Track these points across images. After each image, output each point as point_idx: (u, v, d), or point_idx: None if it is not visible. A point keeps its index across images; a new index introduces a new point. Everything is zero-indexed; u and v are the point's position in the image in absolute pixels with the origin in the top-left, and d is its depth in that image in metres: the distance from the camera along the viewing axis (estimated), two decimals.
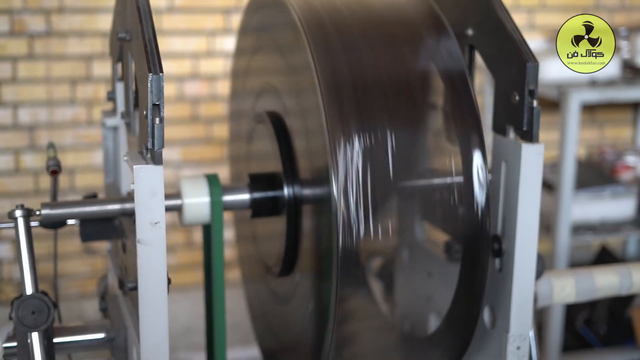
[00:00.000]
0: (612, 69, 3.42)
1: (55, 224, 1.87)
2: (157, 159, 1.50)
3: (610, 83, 3.36)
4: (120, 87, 1.93)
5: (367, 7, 1.76)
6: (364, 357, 1.72)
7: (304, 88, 1.64)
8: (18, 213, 1.73)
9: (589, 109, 3.88)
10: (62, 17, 3.29)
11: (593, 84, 3.35)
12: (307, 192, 1.69)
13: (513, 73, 1.73)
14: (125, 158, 1.60)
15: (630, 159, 3.81)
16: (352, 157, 1.54)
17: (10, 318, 1.85)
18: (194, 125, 3.51)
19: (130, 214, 1.81)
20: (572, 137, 3.28)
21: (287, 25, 1.68)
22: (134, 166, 1.51)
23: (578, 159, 3.50)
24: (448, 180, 1.62)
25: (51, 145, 1.93)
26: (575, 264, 3.63)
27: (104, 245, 3.40)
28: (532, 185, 1.73)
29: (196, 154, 3.52)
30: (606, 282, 2.15)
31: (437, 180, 1.64)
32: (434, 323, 1.75)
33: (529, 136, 1.71)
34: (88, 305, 3.45)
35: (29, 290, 1.73)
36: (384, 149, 1.58)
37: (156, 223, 1.54)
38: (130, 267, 1.70)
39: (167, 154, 3.49)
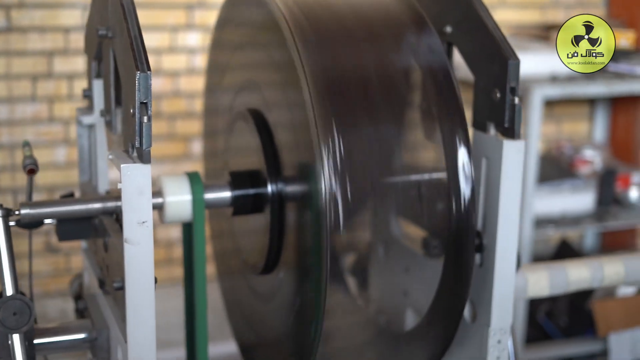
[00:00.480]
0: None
1: (32, 223, 1.84)
2: (145, 158, 1.49)
3: (570, 79, 3.41)
4: (97, 85, 1.91)
5: (349, 4, 1.76)
6: (350, 351, 1.73)
7: (290, 84, 1.64)
8: None
9: (548, 104, 3.94)
10: (23, 13, 3.24)
11: (554, 79, 3.40)
12: (292, 188, 1.69)
13: (494, 70, 1.75)
14: (110, 157, 1.58)
15: (588, 154, 3.87)
16: (340, 151, 1.55)
17: None
18: (157, 122, 3.48)
19: (111, 213, 1.79)
20: (535, 132, 3.32)
21: (272, 22, 1.68)
22: (121, 165, 1.49)
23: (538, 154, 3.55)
24: (435, 175, 1.64)
25: (27, 144, 1.90)
26: (537, 258, 3.69)
27: (66, 244, 3.38)
28: (513, 181, 1.76)
29: (159, 150, 3.49)
30: (579, 275, 2.19)
31: (424, 176, 1.65)
32: (419, 317, 1.76)
33: (511, 132, 1.73)
34: (51, 304, 3.41)
35: (9, 291, 1.70)
36: (371, 144, 1.59)
37: (143, 222, 1.53)
38: (113, 267, 1.69)
39: None
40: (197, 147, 3.53)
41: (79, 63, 3.33)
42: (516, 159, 1.74)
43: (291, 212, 1.71)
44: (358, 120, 1.59)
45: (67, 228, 1.87)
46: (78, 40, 3.31)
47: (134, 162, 1.51)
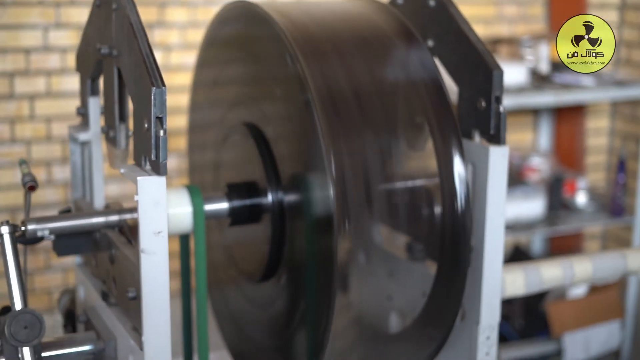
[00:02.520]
0: (521, 76, 3.62)
1: (32, 239, 1.88)
2: (162, 170, 1.55)
3: (520, 90, 3.55)
4: (93, 102, 1.95)
5: (342, 19, 1.85)
6: (349, 351, 1.80)
7: (291, 97, 1.71)
8: (4, 229, 1.73)
9: None
10: None
11: (505, 91, 3.53)
12: (294, 196, 1.76)
13: (478, 80, 1.85)
14: (122, 170, 1.64)
15: (535, 161, 4.02)
16: (345, 161, 1.63)
17: None
18: None
19: (113, 227, 1.84)
20: None
21: (271, 37, 1.75)
22: (138, 178, 1.55)
23: None
24: (433, 181, 1.73)
25: (23, 162, 1.94)
26: None
27: (31, 264, 3.38)
28: (499, 185, 1.86)
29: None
30: (552, 274, 2.30)
31: (422, 182, 1.74)
32: (416, 318, 1.84)
33: (497, 139, 1.83)
34: None
35: (17, 305, 1.74)
36: (373, 153, 1.68)
37: (159, 232, 1.59)
38: (122, 278, 1.73)
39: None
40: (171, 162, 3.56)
41: (40, 84, 3.34)
42: (501, 164, 1.85)
43: (292, 220, 1.78)
44: (360, 131, 1.68)
45: (64, 243, 1.91)
46: (39, 61, 3.33)
47: (149, 175, 1.57)
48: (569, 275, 2.32)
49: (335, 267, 1.60)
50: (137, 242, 1.74)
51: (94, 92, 1.96)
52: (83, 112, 1.99)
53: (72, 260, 3.42)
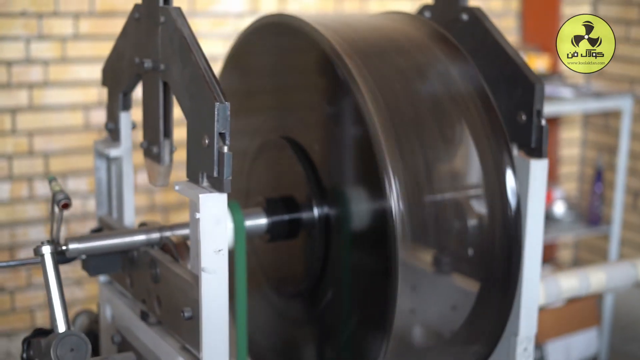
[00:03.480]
0: None
1: (64, 259, 1.83)
2: (225, 187, 1.52)
3: None
4: (125, 117, 1.91)
5: (383, 32, 1.85)
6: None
7: (341, 109, 1.71)
8: (45, 249, 1.68)
9: None
10: None
11: None
12: (343, 210, 1.74)
13: (518, 94, 1.86)
14: (177, 187, 1.60)
15: None
16: (403, 172, 1.62)
17: (22, 359, 1.80)
18: None
19: (153, 245, 1.80)
20: None
21: (314, 48, 1.74)
22: (200, 195, 1.52)
23: None
24: (489, 191, 1.73)
25: (53, 178, 1.88)
26: None
27: (11, 283, 3.29)
28: (539, 197, 1.87)
29: None
30: (569, 285, 2.34)
31: (475, 193, 1.74)
32: (475, 320, 1.83)
33: (538, 152, 1.84)
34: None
35: (61, 327, 1.69)
36: (427, 164, 1.68)
37: (219, 250, 1.56)
38: (169, 297, 1.70)
39: (74, 184, 3.41)
40: (141, 178, 3.51)
41: (22, 97, 3.26)
42: (541, 176, 1.86)
43: (338, 234, 1.76)
44: (413, 142, 1.68)
45: (96, 262, 1.87)
46: (20, 73, 3.25)
47: (209, 192, 1.54)
48: (585, 285, 2.36)
49: (397, 278, 1.60)
50: (186, 260, 1.71)
51: (126, 106, 1.92)
52: (112, 127, 1.94)
53: (75, 275, 3.38)
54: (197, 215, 1.53)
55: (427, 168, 1.69)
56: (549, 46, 4.09)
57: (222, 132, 1.51)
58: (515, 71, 1.87)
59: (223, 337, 1.58)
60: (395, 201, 1.60)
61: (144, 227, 1.84)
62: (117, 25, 3.37)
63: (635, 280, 2.45)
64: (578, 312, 3.96)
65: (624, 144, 3.82)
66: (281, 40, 1.91)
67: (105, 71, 1.98)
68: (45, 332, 1.82)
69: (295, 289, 1.91)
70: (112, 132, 1.95)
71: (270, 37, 1.94)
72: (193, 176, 1.59)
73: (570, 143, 4.35)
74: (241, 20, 3.55)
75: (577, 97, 3.75)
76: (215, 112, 1.50)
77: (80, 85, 3.37)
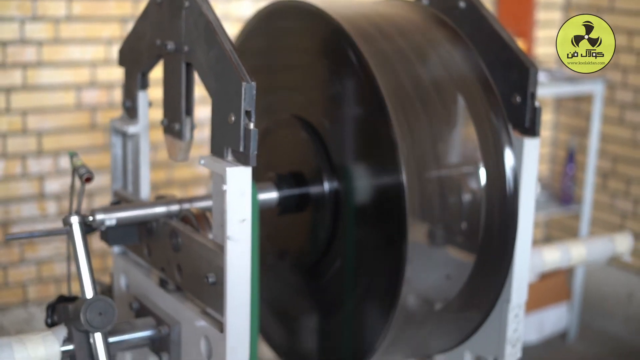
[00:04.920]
0: None
1: (89, 229, 1.93)
2: (251, 161, 1.63)
3: None
4: (142, 96, 2.01)
5: (388, 18, 1.97)
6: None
7: (355, 88, 1.82)
8: (74, 219, 1.79)
9: None
10: None
11: None
12: (357, 183, 1.86)
13: (513, 77, 1.99)
14: (202, 162, 1.71)
15: None
16: (412, 148, 1.75)
17: (47, 324, 1.90)
18: (93, 133, 3.54)
19: (172, 216, 1.91)
20: None
21: (327, 30, 1.86)
22: (227, 168, 1.63)
23: None
24: (490, 169, 1.87)
25: (74, 154, 1.97)
26: None
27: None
28: (531, 173, 2.01)
29: (96, 161, 3.54)
30: (552, 257, 2.48)
31: (482, 170, 1.87)
32: (472, 289, 1.96)
33: (532, 132, 1.98)
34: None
35: (89, 293, 1.79)
36: (435, 142, 1.81)
37: (244, 220, 1.68)
38: (192, 265, 1.81)
39: (67, 162, 3.49)
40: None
41: (17, 77, 3.33)
42: (534, 154, 2.00)
43: (350, 207, 1.88)
44: (423, 121, 1.81)
45: (116, 233, 1.97)
46: (15, 54, 3.32)
47: (234, 165, 1.65)
48: (566, 258, 2.51)
49: (406, 249, 1.73)
50: (206, 230, 1.82)
51: (144, 86, 2.02)
52: (130, 105, 2.04)
53: (48, 253, 3.47)
54: (224, 187, 1.64)
55: (432, 144, 1.82)
56: (523, 31, 4.23)
57: (248, 110, 1.63)
58: (510, 56, 2.00)
59: (245, 301, 1.70)
60: (405, 175, 1.72)
61: (164, 199, 1.94)
62: (109, 7, 3.48)
63: (612, 253, 2.61)
64: (549, 288, 4.13)
65: (595, 127, 3.99)
66: (290, 22, 2.02)
67: (123, 52, 2.08)
68: (68, 299, 1.93)
69: (304, 260, 2.02)
70: (130, 110, 2.05)
71: (280, 20, 2.05)
72: (218, 151, 1.70)
73: (543, 126, 4.51)
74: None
75: (551, 81, 3.91)
76: (243, 91, 1.61)
77: (73, 66, 3.45)
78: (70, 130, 3.47)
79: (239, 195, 1.66)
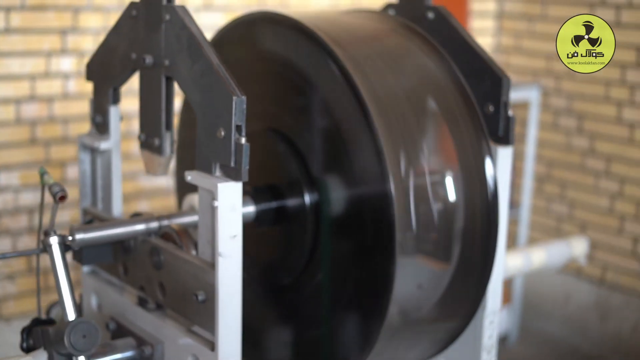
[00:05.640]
0: None
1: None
2: (243, 176, 1.61)
3: None
4: (114, 111, 1.97)
5: (372, 36, 1.97)
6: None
7: (334, 99, 1.82)
8: (53, 240, 1.74)
9: None
10: None
11: None
12: (338, 194, 1.85)
13: (485, 87, 2.02)
14: (189, 177, 1.68)
15: None
16: (398, 157, 1.76)
17: (22, 348, 1.85)
18: (33, 148, 3.44)
19: (150, 234, 1.87)
20: None
21: (308, 41, 1.85)
22: (219, 184, 1.61)
23: None
24: (472, 176, 1.88)
25: (45, 172, 1.92)
26: None
27: None
28: (505, 180, 2.04)
29: (35, 178, 3.44)
30: (514, 263, 2.53)
31: (464, 177, 1.88)
32: (453, 297, 1.97)
33: (505, 140, 2.01)
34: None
35: (71, 315, 1.75)
36: (415, 150, 1.81)
37: (235, 236, 1.65)
38: (176, 283, 1.77)
39: (6, 178, 3.40)
40: (72, 171, 3.52)
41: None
42: (507, 162, 2.03)
43: (332, 218, 1.87)
44: (404, 131, 1.81)
45: (90, 253, 1.92)
46: None
47: (223, 181, 1.63)
48: (528, 264, 2.56)
49: (396, 250, 1.73)
50: (189, 247, 1.80)
51: (115, 100, 1.97)
52: (100, 120, 1.99)
53: (7, 269, 3.36)
54: (215, 203, 1.62)
55: (415, 153, 1.82)
56: None
57: (239, 124, 1.61)
58: (482, 66, 2.03)
59: (237, 318, 1.68)
60: (393, 184, 1.73)
61: (142, 217, 1.90)
62: (48, 19, 3.40)
63: (569, 257, 2.67)
64: None
65: (532, 133, 4.07)
66: (263, 32, 2.00)
67: (92, 66, 2.03)
68: (43, 322, 1.87)
69: (284, 274, 2.01)
70: (100, 125, 2.00)
71: (252, 30, 2.03)
72: (205, 166, 1.68)
73: None
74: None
75: None
76: (233, 106, 1.60)
77: (12, 79, 3.36)
78: (10, 145, 3.37)
79: (230, 210, 1.64)
